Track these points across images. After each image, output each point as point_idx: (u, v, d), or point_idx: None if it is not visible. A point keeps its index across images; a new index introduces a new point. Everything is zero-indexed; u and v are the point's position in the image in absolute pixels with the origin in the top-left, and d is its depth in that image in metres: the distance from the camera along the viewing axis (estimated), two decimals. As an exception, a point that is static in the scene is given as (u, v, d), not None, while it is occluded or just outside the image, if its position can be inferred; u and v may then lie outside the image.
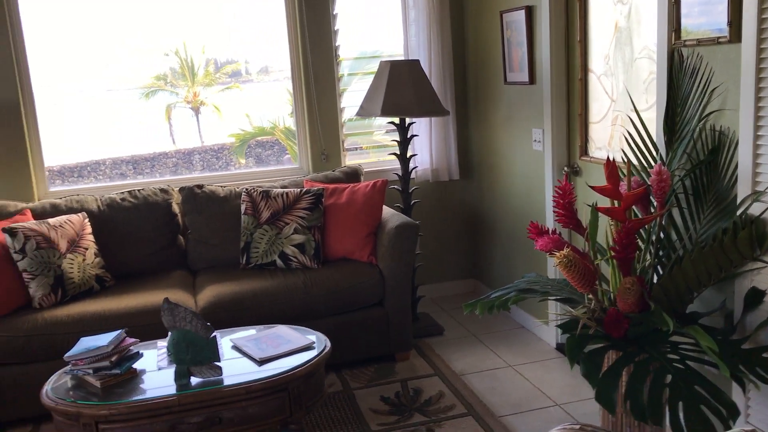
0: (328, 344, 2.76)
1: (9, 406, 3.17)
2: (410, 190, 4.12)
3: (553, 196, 2.53)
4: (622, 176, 2.44)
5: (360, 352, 3.61)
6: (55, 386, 2.54)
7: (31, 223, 3.40)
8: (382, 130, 4.60)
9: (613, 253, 2.30)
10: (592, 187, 2.39)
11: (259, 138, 6.02)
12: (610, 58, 3.19)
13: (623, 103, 3.12)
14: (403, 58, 4.39)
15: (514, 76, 3.91)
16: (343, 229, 3.73)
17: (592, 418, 2.93)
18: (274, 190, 3.79)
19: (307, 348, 2.72)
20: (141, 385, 2.53)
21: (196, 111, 6.39)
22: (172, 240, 3.87)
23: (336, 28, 4.30)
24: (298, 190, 3.79)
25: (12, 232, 3.30)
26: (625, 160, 2.53)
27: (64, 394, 2.47)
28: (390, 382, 3.47)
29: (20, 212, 3.59)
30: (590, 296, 2.38)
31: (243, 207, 3.76)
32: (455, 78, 4.44)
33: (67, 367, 2.60)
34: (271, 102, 5.79)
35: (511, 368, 3.57)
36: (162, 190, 3.89)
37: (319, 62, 4.27)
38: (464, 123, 4.57)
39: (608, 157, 2.40)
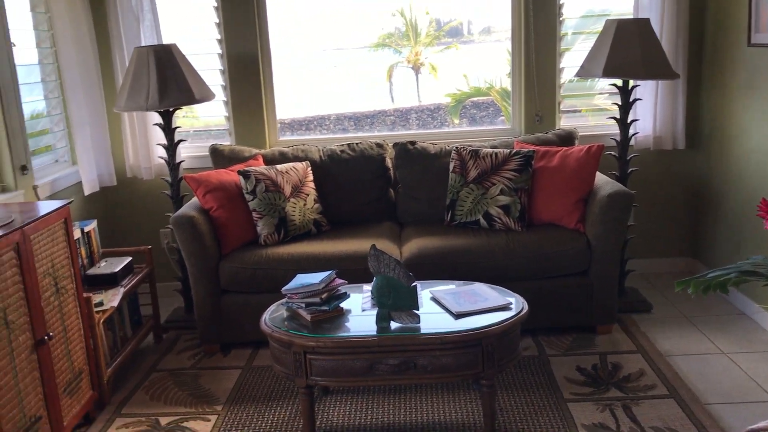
0: (526, 307, 2.75)
1: (235, 329, 3.56)
2: (628, 158, 3.90)
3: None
4: None
5: (559, 319, 3.55)
6: (272, 316, 2.80)
7: (261, 167, 3.74)
8: (604, 93, 4.38)
9: None
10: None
11: (474, 99, 6.03)
12: None
13: None
14: (632, 17, 4.12)
15: (760, 38, 3.51)
16: (552, 194, 3.64)
17: (817, 422, 2.63)
18: (484, 149, 3.80)
19: (504, 308, 2.72)
20: (346, 323, 2.71)
21: (417, 71, 6.55)
22: (383, 192, 4.05)
23: (561, -15, 4.14)
24: (508, 150, 3.76)
25: (246, 175, 3.66)
26: None
27: (279, 324, 2.72)
28: (588, 354, 3.37)
29: (253, 157, 3.96)
30: (827, 285, 2.12)
31: (451, 165, 3.81)
32: (690, 39, 4.09)
33: (284, 300, 2.86)
34: (489, 62, 5.75)
35: (725, 355, 3.29)
36: (378, 145, 4.07)
37: (541, 20, 4.15)
38: (695, 88, 4.21)
39: None
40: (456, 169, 3.79)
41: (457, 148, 3.85)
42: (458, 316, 2.69)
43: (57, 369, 2.73)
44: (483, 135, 4.38)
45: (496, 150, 3.78)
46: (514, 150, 3.77)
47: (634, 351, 3.37)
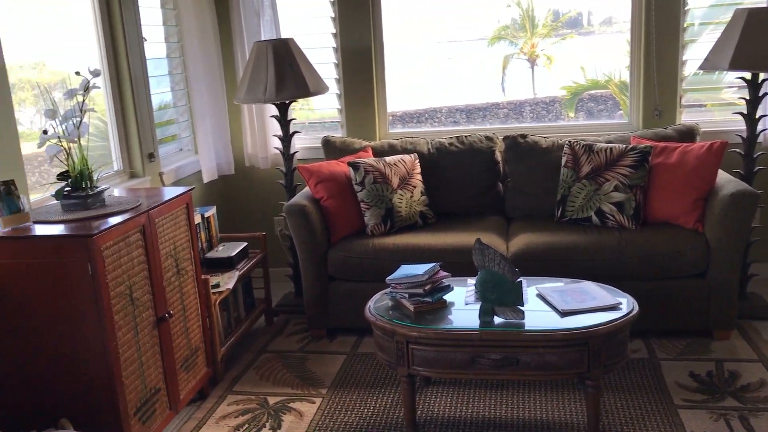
0: (636, 308, 2.65)
1: (341, 316, 3.65)
2: (755, 156, 3.67)
3: None
4: None
5: (672, 322, 3.39)
6: (376, 304, 2.86)
7: (371, 159, 3.81)
8: (733, 86, 4.13)
9: None
10: None
11: (592, 91, 5.84)
12: None
13: None
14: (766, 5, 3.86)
15: None
16: (669, 192, 3.49)
17: None
18: (598, 144, 3.68)
19: (613, 308, 2.64)
20: (448, 316, 2.72)
21: (532, 62, 6.42)
22: (491, 186, 4.01)
23: (688, -27, 3.94)
24: (623, 146, 3.63)
25: (355, 166, 3.73)
26: None
27: (383, 312, 2.77)
28: (703, 360, 3.21)
29: (363, 149, 4.03)
30: None
31: (564, 159, 3.73)
32: (831, 28, 3.78)
33: (388, 289, 2.90)
34: (608, 54, 5.55)
35: None
36: (487, 138, 4.03)
37: (663, 10, 3.97)
38: (836, 81, 3.89)
39: None
40: (568, 164, 3.70)
41: (569, 142, 3.75)
42: (564, 314, 2.63)
43: (175, 345, 2.90)
44: (598, 129, 4.25)
45: (611, 145, 3.66)
46: (630, 145, 3.63)
47: (755, 360, 3.18)
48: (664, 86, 4.06)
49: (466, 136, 4.06)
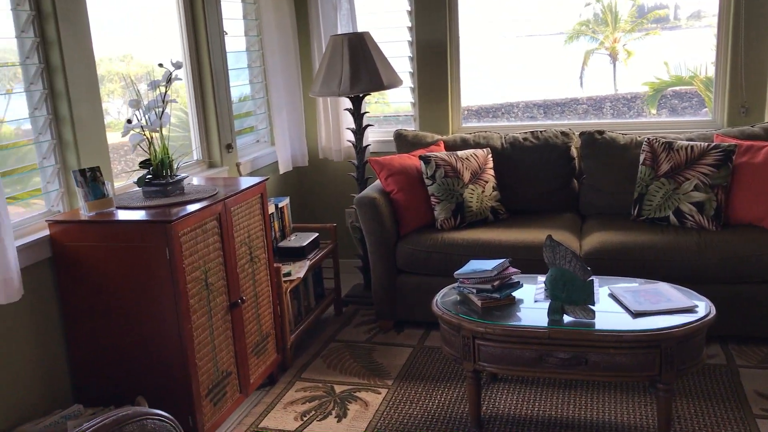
0: (713, 312, 2.55)
1: (409, 308, 3.67)
2: None
3: None
4: None
5: (754, 329, 3.25)
6: (444, 298, 2.86)
7: (442, 153, 3.80)
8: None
9: None
10: None
11: (676, 88, 5.65)
12: None
13: None
14: None
15: None
16: (754, 192, 3.34)
17: None
18: (679, 142, 3.56)
19: (688, 311, 2.55)
20: (516, 313, 2.70)
21: (614, 58, 6.26)
22: (566, 183, 3.94)
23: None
24: (706, 144, 3.49)
25: (426, 160, 3.73)
26: None
27: (450, 307, 2.77)
28: (786, 370, 3.07)
29: (435, 143, 4.03)
30: None
31: (642, 157, 3.62)
32: None
33: (456, 284, 2.89)
34: (694, 49, 5.36)
35: None
36: (563, 133, 3.96)
37: (753, 3, 3.79)
38: None
39: None
40: (646, 162, 3.59)
41: (648, 139, 3.64)
42: (637, 315, 2.57)
43: (247, 331, 2.99)
44: (680, 126, 4.10)
45: (692, 143, 3.53)
46: (713, 143, 3.50)
47: (844, 372, 3.02)
48: (752, 82, 3.89)
49: (541, 131, 4.00)
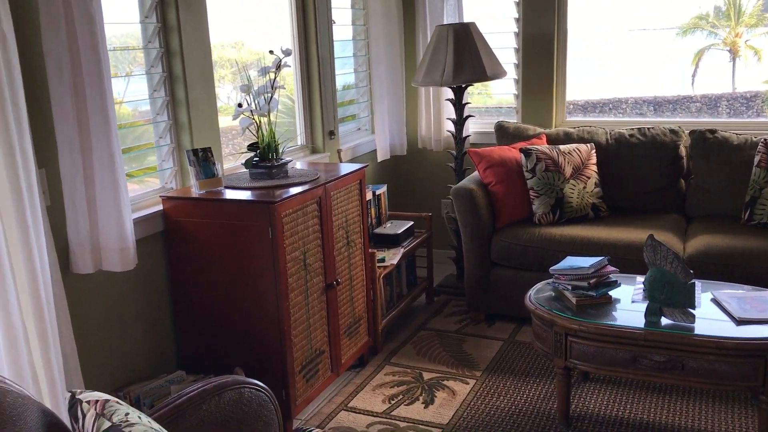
0: (827, 324, 2.41)
1: (501, 302, 3.65)
2: None
3: None
4: None
5: None
6: (537, 293, 2.83)
7: (544, 146, 3.75)
8: None
9: None
10: None
11: (803, 87, 5.31)
12: None
13: None
14: None
15: None
16: None
17: None
18: (799, 144, 3.36)
19: (799, 321, 2.43)
20: (612, 312, 2.64)
21: (734, 54, 5.94)
22: (672, 182, 3.80)
23: None
24: (830, 147, 3.28)
25: (527, 153, 3.69)
26: None
27: (544, 302, 2.74)
28: None
29: (537, 136, 3.98)
30: None
31: (756, 158, 3.44)
32: None
33: (550, 280, 2.86)
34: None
35: None
36: (671, 131, 3.82)
37: None
38: None
39: None
40: (761, 164, 3.41)
41: (765, 140, 3.46)
42: (740, 322, 2.46)
43: (341, 312, 3.07)
44: (801, 128, 3.87)
45: (814, 145, 3.33)
46: (838, 147, 3.28)
47: None
48: None
49: (648, 128, 3.87)
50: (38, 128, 2.19)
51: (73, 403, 1.42)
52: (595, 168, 3.76)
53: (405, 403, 2.95)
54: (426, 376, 3.19)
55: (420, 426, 2.78)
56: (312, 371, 2.86)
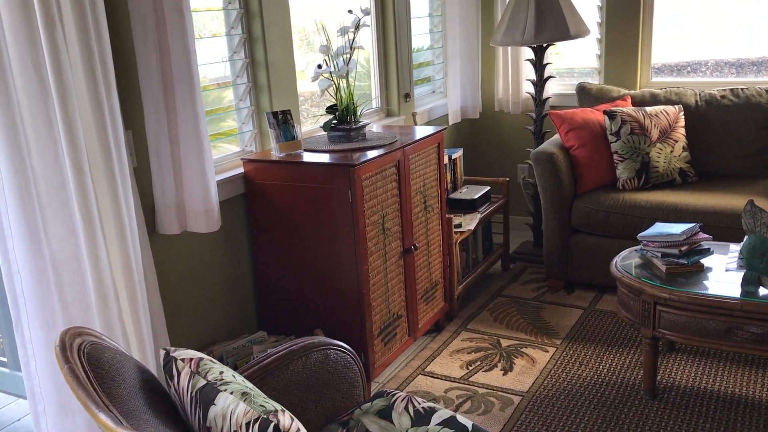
0: None
1: (581, 269, 3.55)
2: None
3: None
4: None
5: None
6: (623, 261, 2.73)
7: (629, 108, 3.59)
8: None
9: None
10: None
11: None
12: None
13: None
14: None
15: None
16: None
17: None
18: None
19: None
20: (704, 281, 2.52)
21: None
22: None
23: None
24: None
25: (611, 115, 3.54)
26: None
27: (630, 270, 2.64)
28: None
29: (621, 98, 3.81)
30: None
31: None
32: None
33: (638, 247, 2.75)
34: None
35: None
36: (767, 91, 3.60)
37: None
38: None
39: None
40: None
41: None
42: None
43: (418, 277, 3.04)
44: None
45: None
46: None
47: None
48: None
49: (742, 89, 3.65)
50: (124, 89, 2.21)
51: (168, 361, 1.43)
52: (683, 131, 3.58)
53: (483, 370, 2.92)
54: (504, 343, 3.14)
55: (499, 393, 2.74)
56: (390, 335, 2.84)
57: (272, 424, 1.19)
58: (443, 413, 1.81)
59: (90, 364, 1.33)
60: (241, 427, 1.22)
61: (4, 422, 2.71)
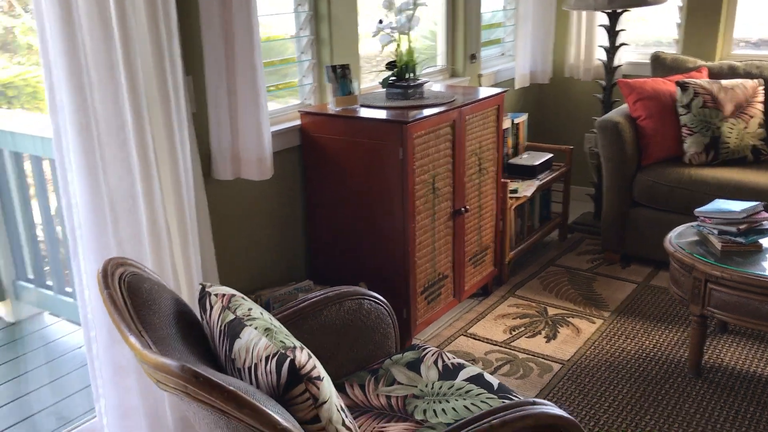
0: None
1: (639, 244, 3.47)
2: None
3: None
4: None
5: None
6: (678, 236, 2.66)
7: (703, 80, 3.44)
8: None
9: None
10: None
11: None
12: None
13: None
14: None
15: None
16: None
17: None
18: None
19: None
20: (762, 261, 2.43)
21: None
22: None
23: None
24: None
25: (684, 86, 3.41)
26: None
27: (685, 245, 2.57)
28: None
29: (697, 69, 3.66)
30: None
31: None
32: None
33: (695, 222, 2.67)
34: None
35: None
36: None
37: None
38: None
39: None
40: None
41: None
42: None
43: (467, 240, 3.04)
44: None
45: None
46: None
47: None
48: None
49: (829, 65, 3.45)
50: (185, 36, 2.28)
51: (203, 295, 1.51)
52: (761, 107, 3.42)
53: (526, 335, 2.92)
54: (551, 311, 3.12)
55: (539, 359, 2.74)
56: (434, 294, 2.87)
57: (288, 360, 1.25)
58: (471, 370, 1.84)
59: (129, 292, 1.41)
60: (261, 360, 1.28)
61: (69, 347, 2.90)
